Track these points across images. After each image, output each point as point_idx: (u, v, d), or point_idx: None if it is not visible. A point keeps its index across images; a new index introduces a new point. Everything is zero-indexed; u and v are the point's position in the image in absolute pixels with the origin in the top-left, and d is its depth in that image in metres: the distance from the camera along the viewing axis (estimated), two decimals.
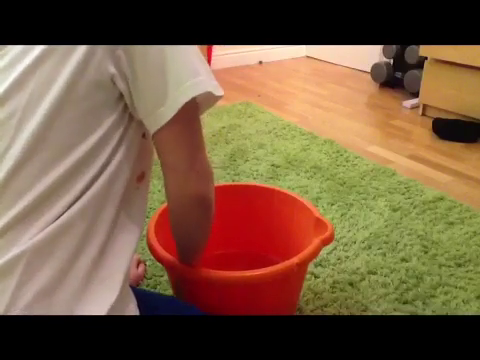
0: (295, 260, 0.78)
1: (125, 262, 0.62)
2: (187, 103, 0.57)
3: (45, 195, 0.55)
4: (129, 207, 0.63)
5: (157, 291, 1.06)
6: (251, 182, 1.54)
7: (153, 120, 0.58)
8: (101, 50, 0.54)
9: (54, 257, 0.55)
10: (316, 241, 0.83)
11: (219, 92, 0.60)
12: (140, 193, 0.66)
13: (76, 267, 0.56)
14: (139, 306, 0.66)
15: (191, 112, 0.60)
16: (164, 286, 1.07)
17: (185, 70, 0.57)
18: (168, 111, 0.57)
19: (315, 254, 0.82)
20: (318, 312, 1.02)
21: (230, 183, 1.49)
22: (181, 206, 0.66)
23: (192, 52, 0.58)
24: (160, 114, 0.57)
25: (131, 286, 0.69)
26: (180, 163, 0.62)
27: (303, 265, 0.85)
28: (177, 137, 0.60)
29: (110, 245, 0.60)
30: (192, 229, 0.70)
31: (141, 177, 0.65)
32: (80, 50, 0.54)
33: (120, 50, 0.54)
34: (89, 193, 0.57)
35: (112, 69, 0.55)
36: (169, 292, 1.04)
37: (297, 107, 2.35)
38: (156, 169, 0.68)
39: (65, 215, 0.56)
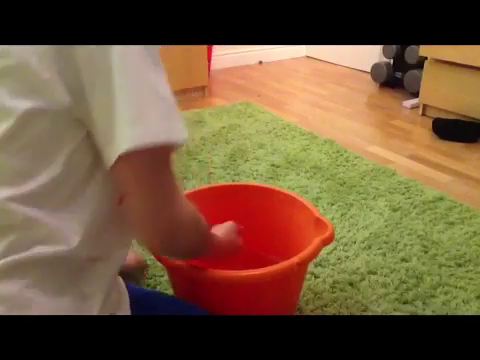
0: (295, 260, 0.78)
1: (105, 286, 0.59)
2: (131, 151, 0.50)
3: None
4: (108, 230, 0.59)
5: (157, 291, 1.06)
6: (251, 182, 1.54)
7: (105, 155, 0.52)
8: (55, 73, 0.50)
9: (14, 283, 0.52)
10: (316, 241, 0.83)
11: (173, 138, 0.52)
12: (121, 212, 0.61)
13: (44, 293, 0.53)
14: (139, 306, 0.66)
15: (142, 160, 0.52)
16: (164, 286, 1.07)
17: (130, 115, 0.50)
18: (113, 153, 0.51)
19: (315, 254, 0.82)
20: (318, 312, 1.02)
21: (230, 183, 1.49)
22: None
23: (147, 90, 0.51)
24: (108, 152, 0.52)
25: (131, 285, 0.69)
26: (140, 219, 0.56)
27: (303, 265, 0.85)
28: (132, 182, 0.53)
29: (84, 271, 0.57)
30: (179, 255, 0.69)
31: (122, 200, 0.61)
32: (33, 76, 0.50)
33: (70, 73, 0.50)
34: (52, 228, 0.53)
35: (67, 98, 0.51)
36: (169, 292, 1.04)
37: (297, 107, 2.35)
38: None
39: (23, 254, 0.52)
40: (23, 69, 0.50)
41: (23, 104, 0.50)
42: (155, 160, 0.53)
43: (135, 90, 0.50)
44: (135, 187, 0.54)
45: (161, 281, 1.09)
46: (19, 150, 0.51)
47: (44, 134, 0.52)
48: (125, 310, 0.65)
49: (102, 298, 0.58)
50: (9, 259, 0.51)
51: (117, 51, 0.50)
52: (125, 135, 0.50)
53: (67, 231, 0.54)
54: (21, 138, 0.51)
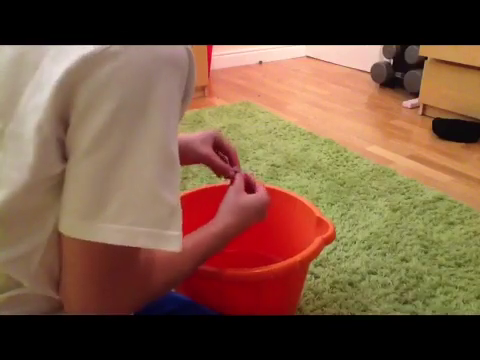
0: (297, 258, 0.78)
1: None
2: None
3: None
4: None
5: None
6: None
7: (61, 214, 0.47)
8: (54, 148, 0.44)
9: None
10: (318, 239, 0.83)
11: (160, 246, 0.46)
12: None
13: None
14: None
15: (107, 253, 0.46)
16: None
17: (115, 208, 0.44)
18: (72, 227, 0.46)
19: (317, 253, 0.82)
20: (318, 312, 1.02)
21: None
22: None
23: (150, 188, 0.45)
24: (67, 218, 0.46)
25: None
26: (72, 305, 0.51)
27: (305, 263, 0.85)
28: (79, 269, 0.48)
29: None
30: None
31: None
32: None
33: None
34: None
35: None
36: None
37: (297, 107, 2.35)
38: None
39: None
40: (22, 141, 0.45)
41: (20, 177, 0.45)
42: (122, 256, 0.47)
43: (132, 191, 0.44)
44: (79, 276, 0.48)
45: None
46: (11, 220, 0.48)
47: (37, 204, 0.48)
48: None
49: None
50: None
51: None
52: (100, 227, 0.44)
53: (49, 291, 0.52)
54: (15, 209, 0.47)
